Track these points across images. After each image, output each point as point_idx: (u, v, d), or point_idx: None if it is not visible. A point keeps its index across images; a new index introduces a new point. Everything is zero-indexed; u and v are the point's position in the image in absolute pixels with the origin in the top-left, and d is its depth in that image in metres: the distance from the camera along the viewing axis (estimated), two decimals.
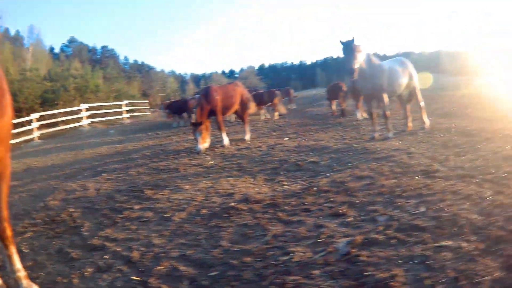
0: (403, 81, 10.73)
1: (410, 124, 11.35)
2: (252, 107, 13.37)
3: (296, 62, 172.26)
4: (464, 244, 3.59)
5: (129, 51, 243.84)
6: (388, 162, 7.37)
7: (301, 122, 17.73)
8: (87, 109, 31.42)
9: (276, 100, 21.61)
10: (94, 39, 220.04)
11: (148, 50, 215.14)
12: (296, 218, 4.84)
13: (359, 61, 9.32)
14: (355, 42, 9.23)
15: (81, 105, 31.66)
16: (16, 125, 24.62)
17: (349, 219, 4.61)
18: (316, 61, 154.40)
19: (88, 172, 10.16)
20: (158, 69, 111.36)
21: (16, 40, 58.58)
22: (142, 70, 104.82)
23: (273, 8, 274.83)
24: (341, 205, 5.14)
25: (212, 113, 11.59)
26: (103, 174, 9.40)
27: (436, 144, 8.76)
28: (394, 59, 11.51)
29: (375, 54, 10.89)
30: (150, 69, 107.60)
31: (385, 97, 10.19)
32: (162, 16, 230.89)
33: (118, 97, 44.12)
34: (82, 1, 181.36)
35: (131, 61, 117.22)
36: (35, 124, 26.11)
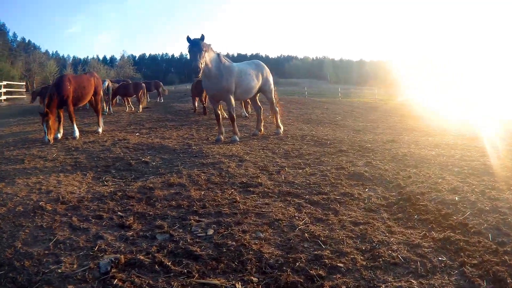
0: (255, 84, 10.13)
1: (262, 128, 10.89)
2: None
3: (177, 54, 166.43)
4: (238, 286, 2.91)
5: (21, 27, 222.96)
6: (213, 170, 6.37)
7: (161, 117, 16.87)
8: None
9: (141, 93, 20.35)
10: None
11: (40, 28, 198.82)
12: (84, 225, 4.28)
13: (206, 61, 8.66)
14: (204, 41, 8.58)
15: None
16: None
17: (130, 233, 3.99)
18: None
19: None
20: (43, 49, 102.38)
21: None
22: (27, 49, 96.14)
23: None
24: (132, 216, 4.48)
25: (63, 103, 10.85)
26: None
27: (279, 153, 7.90)
28: (249, 61, 11.02)
29: (227, 56, 10.52)
30: (35, 48, 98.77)
31: (231, 99, 9.55)
32: None
33: None
34: None
35: (19, 38, 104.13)
36: None
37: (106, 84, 19.28)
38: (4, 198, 5.38)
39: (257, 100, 10.97)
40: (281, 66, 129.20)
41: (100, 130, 11.98)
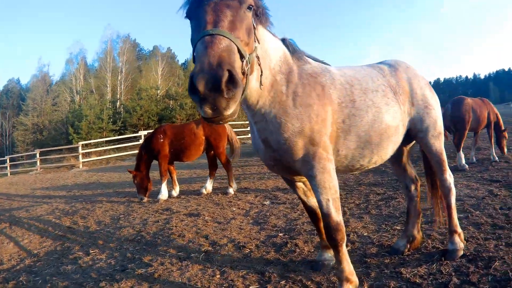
0: (395, 118, 3.76)
1: (416, 234, 4.45)
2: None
3: (470, 75, 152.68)
4: None
5: None
6: None
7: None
8: None
9: None
10: None
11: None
12: None
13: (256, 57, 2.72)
14: None
15: None
16: (128, 140, 29.58)
17: None
18: (489, 74, 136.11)
19: (97, 196, 10.74)
20: None
21: (171, 58, 60.39)
22: None
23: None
24: None
25: (154, 158, 9.92)
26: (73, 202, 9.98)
27: None
28: (372, 64, 4.31)
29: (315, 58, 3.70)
30: None
31: (325, 169, 3.17)
32: None
33: None
34: None
35: None
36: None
37: None
38: None
39: (408, 165, 4.61)
40: None
41: (230, 190, 9.50)
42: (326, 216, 3.16)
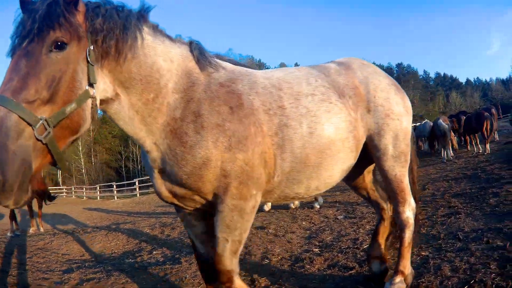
0: (341, 130, 2.97)
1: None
2: None
3: None
4: None
5: (427, 64, 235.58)
6: None
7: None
8: None
9: (485, 126, 16.43)
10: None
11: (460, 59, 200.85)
12: None
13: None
14: None
15: None
16: None
17: None
18: None
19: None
20: (462, 79, 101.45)
21: None
22: (445, 83, 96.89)
23: None
24: None
25: None
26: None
27: None
28: (317, 65, 3.49)
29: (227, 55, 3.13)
30: (452, 80, 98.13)
31: (244, 207, 2.65)
32: None
33: None
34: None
35: (432, 74, 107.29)
36: None
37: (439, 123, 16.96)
38: None
39: (373, 190, 3.97)
40: None
41: (316, 204, 9.55)
42: (218, 255, 2.64)
